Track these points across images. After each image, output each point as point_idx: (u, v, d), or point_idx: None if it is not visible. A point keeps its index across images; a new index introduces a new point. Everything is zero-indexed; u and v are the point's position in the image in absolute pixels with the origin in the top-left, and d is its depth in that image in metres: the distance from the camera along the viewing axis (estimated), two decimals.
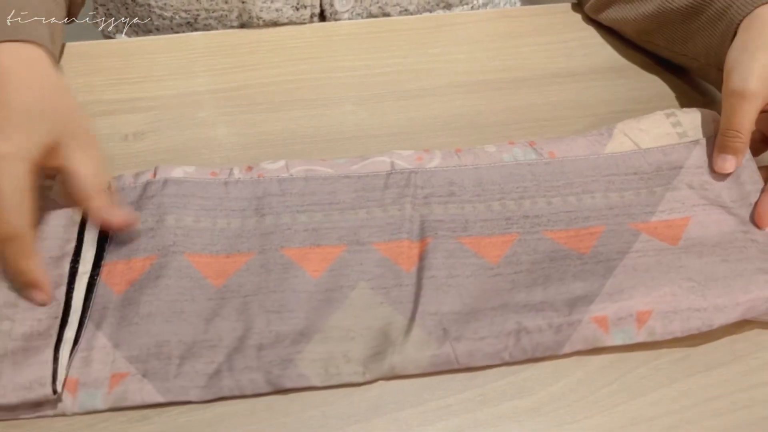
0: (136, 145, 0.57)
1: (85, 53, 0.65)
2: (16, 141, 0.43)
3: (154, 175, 0.50)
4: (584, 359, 0.44)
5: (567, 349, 0.44)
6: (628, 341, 0.44)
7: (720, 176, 0.52)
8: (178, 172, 0.50)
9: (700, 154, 0.53)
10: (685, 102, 0.62)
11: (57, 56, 0.51)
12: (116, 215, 0.46)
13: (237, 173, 0.51)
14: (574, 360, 0.44)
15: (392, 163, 0.52)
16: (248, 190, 0.50)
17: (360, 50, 0.67)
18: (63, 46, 0.65)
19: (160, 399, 0.41)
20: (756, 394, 0.43)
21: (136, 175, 0.51)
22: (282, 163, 0.52)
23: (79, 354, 0.42)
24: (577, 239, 0.48)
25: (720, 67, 0.54)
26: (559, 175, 0.52)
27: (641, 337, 0.44)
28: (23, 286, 0.43)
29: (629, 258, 0.47)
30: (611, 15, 0.69)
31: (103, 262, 0.46)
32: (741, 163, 0.52)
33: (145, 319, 0.43)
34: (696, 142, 0.53)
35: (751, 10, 0.53)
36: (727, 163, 0.51)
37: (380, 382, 0.43)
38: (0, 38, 0.48)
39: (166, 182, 0.50)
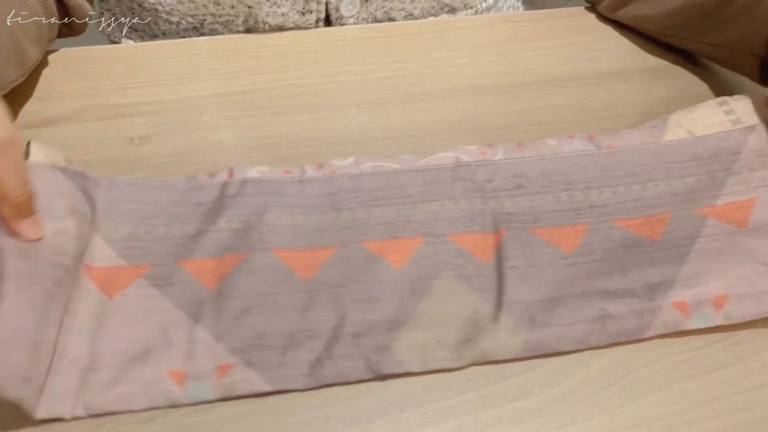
0: (141, 148, 0.57)
1: (91, 58, 0.65)
2: None
3: (230, 175, 0.51)
4: (585, 361, 0.44)
5: (649, 334, 0.45)
6: (708, 324, 0.46)
7: None
8: (253, 172, 0.51)
9: (757, 138, 0.53)
10: (690, 105, 0.62)
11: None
12: (28, 229, 0.42)
13: (309, 171, 0.52)
14: (575, 362, 0.44)
15: (457, 158, 0.53)
16: (321, 187, 0.51)
17: (364, 55, 0.68)
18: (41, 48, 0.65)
19: (268, 388, 0.42)
20: (756, 396, 0.43)
21: (212, 175, 0.52)
22: (351, 160, 0.53)
23: (182, 347, 0.43)
24: (646, 226, 0.50)
25: (754, 53, 0.56)
26: (620, 165, 0.53)
27: (719, 321, 0.46)
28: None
29: (700, 243, 0.49)
30: (631, 12, 0.69)
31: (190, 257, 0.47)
32: None
33: (243, 312, 0.44)
34: (752, 127, 0.54)
35: None
36: None
37: (381, 383, 0.43)
38: None
39: (244, 183, 0.50)
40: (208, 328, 0.44)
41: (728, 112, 0.55)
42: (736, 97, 0.56)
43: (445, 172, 0.52)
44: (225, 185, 0.50)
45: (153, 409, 0.41)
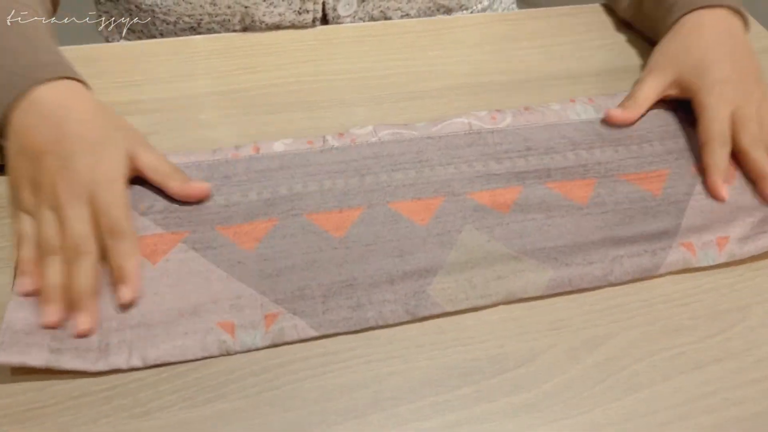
0: None
1: (89, 56, 0.65)
2: (105, 166, 0.48)
3: (257, 150, 0.55)
4: (579, 357, 0.45)
5: (662, 270, 0.50)
6: (711, 262, 0.50)
7: None
8: (278, 146, 0.55)
9: None
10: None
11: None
12: (196, 187, 0.51)
13: (331, 140, 0.56)
14: (569, 357, 0.45)
15: (470, 124, 0.57)
16: (343, 155, 0.55)
17: (360, 53, 0.68)
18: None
19: (314, 333, 0.45)
20: (748, 391, 0.43)
21: (237, 147, 0.55)
22: (370, 128, 0.57)
23: (228, 302, 0.46)
24: (647, 181, 0.55)
25: None
26: (618, 130, 0.58)
27: (722, 259, 0.50)
28: (117, 281, 0.46)
29: (694, 200, 0.54)
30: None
31: (225, 225, 0.50)
32: None
33: (284, 270, 0.48)
34: None
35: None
36: None
37: (377, 378, 0.43)
38: (42, 78, 0.50)
39: (271, 158, 0.54)
40: (251, 284, 0.47)
41: None
42: None
43: (459, 138, 0.56)
44: (251, 160, 0.54)
45: (203, 359, 0.44)
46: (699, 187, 0.54)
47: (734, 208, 0.53)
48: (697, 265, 0.50)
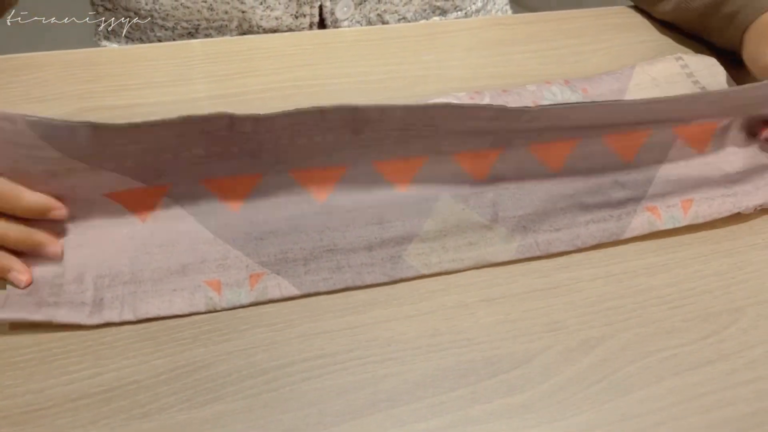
0: None
1: (86, 60, 0.66)
2: None
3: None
4: (574, 358, 0.45)
5: (627, 235, 0.52)
6: (677, 224, 0.53)
7: None
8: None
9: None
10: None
11: None
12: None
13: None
14: (564, 359, 0.45)
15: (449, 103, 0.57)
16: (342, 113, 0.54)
17: (356, 57, 0.68)
18: None
19: (296, 292, 0.48)
20: (741, 392, 0.44)
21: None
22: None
23: (215, 262, 0.49)
24: (626, 139, 0.55)
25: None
26: (602, 119, 0.56)
27: (687, 221, 0.53)
28: (42, 216, 0.46)
29: (664, 168, 0.56)
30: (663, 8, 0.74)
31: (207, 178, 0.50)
32: None
33: (268, 234, 0.50)
34: None
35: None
36: None
37: (374, 379, 0.44)
38: None
39: (256, 120, 0.49)
40: (237, 246, 0.49)
41: (683, 66, 0.65)
42: (690, 54, 0.67)
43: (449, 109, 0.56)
44: (233, 118, 0.46)
45: (194, 314, 0.47)
46: (673, 152, 0.56)
47: (701, 178, 0.55)
48: (662, 228, 0.52)
